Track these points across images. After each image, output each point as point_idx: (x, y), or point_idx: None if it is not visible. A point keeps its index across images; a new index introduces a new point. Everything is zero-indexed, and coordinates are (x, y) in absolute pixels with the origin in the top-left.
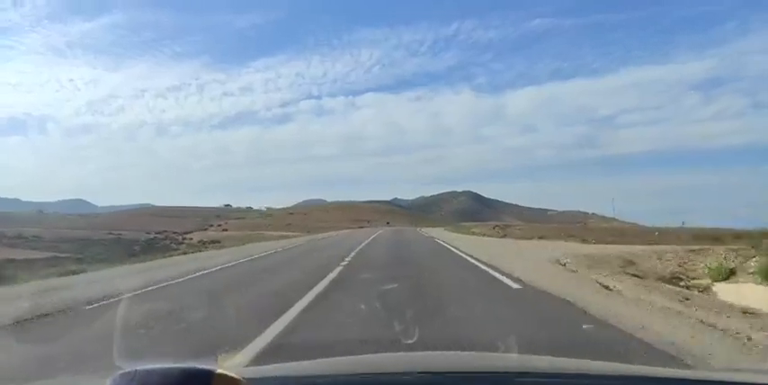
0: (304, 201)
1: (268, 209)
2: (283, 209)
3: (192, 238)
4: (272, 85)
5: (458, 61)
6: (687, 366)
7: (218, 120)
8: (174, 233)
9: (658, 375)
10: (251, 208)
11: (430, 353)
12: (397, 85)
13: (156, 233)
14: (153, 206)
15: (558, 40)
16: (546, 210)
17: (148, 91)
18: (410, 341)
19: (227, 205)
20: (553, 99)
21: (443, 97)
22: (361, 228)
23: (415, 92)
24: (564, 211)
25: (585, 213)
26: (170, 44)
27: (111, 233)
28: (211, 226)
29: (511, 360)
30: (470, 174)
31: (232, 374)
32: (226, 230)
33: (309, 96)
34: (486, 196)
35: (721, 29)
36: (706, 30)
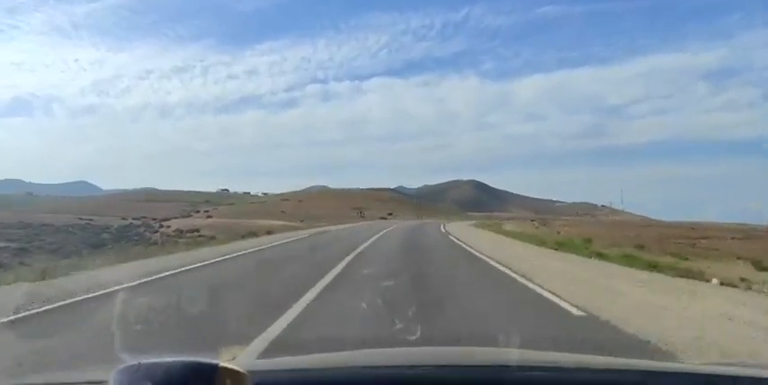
0: (306, 188)
1: (265, 195)
2: (279, 195)
3: (170, 226)
4: (278, 68)
5: (466, 47)
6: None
7: (223, 104)
8: (154, 220)
9: (656, 369)
10: (248, 193)
11: (432, 347)
12: (404, 70)
13: (134, 219)
14: (155, 189)
15: (566, 27)
16: (553, 201)
17: (153, 72)
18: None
19: (224, 190)
20: (560, 87)
21: (450, 83)
22: (363, 218)
23: (422, 77)
24: (572, 203)
25: (594, 205)
26: (175, 26)
27: (80, 218)
28: (198, 212)
29: (511, 354)
30: (476, 162)
31: (236, 367)
32: (210, 217)
33: (315, 80)
34: (491, 186)
35: (730, 19)
36: (715, 19)
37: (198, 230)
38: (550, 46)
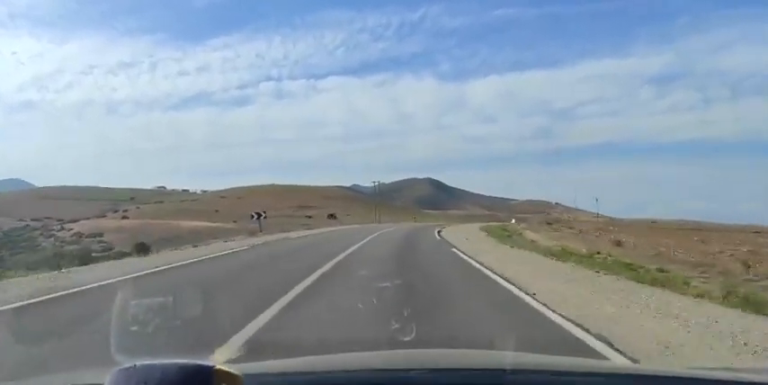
0: (249, 185)
1: (204, 192)
2: (217, 192)
3: (72, 229)
4: (230, 65)
5: (422, 47)
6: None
7: (173, 101)
8: (59, 221)
9: (650, 373)
10: (187, 190)
11: (427, 350)
12: (361, 70)
13: (34, 220)
14: (78, 187)
15: (521, 30)
16: (508, 199)
17: (98, 67)
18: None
19: (161, 187)
20: (514, 88)
21: (406, 83)
22: (310, 218)
23: (379, 76)
24: (527, 201)
25: (549, 203)
26: (124, 19)
27: None
28: (116, 211)
29: (506, 357)
30: (431, 162)
31: (232, 370)
32: (126, 218)
33: (269, 78)
34: (447, 184)
35: (675, 25)
36: (661, 25)
37: (101, 235)
38: (505, 48)
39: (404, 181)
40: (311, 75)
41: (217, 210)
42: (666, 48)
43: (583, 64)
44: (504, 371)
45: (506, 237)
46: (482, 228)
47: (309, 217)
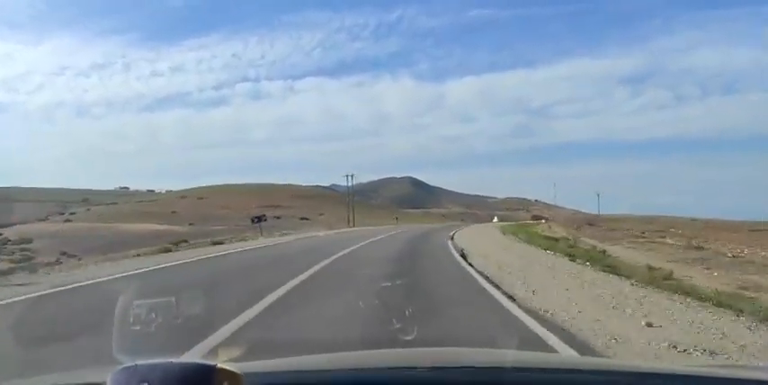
0: (213, 185)
1: (167, 192)
2: (176, 192)
3: (2, 234)
4: (206, 65)
5: (399, 48)
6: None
7: (146, 102)
8: None
9: (652, 371)
10: (152, 191)
11: (428, 348)
12: (339, 70)
13: None
14: (50, 189)
15: (496, 31)
16: (488, 198)
17: (70, 68)
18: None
19: (124, 187)
20: (491, 88)
21: (384, 84)
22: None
23: (357, 77)
24: (506, 198)
25: (528, 200)
26: (97, 19)
27: None
28: (62, 214)
29: (506, 355)
30: (410, 161)
31: (233, 369)
32: (69, 221)
33: (246, 79)
34: (426, 182)
35: (647, 26)
36: (633, 26)
37: (31, 241)
38: (481, 48)
39: (383, 180)
40: (288, 75)
41: (174, 212)
42: (639, 48)
43: (558, 64)
44: (506, 368)
45: (590, 259)
46: (514, 237)
47: (278, 218)
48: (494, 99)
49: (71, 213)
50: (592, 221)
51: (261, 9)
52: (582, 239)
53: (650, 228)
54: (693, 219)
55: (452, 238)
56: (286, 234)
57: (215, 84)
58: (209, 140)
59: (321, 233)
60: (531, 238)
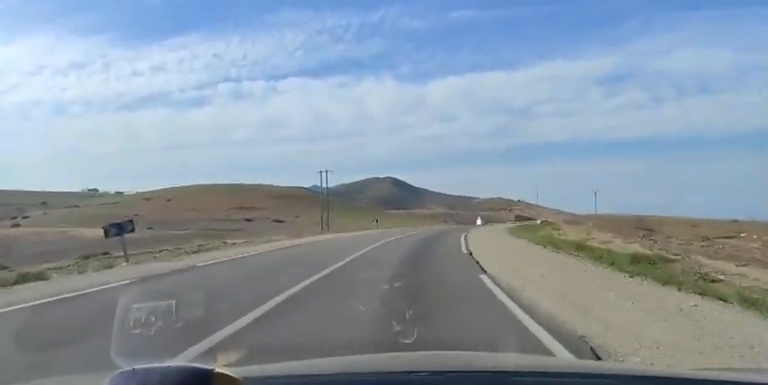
0: (185, 185)
1: (136, 194)
2: (141, 194)
3: None
4: (187, 65)
5: (382, 49)
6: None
7: (125, 102)
8: None
9: (652, 374)
10: (122, 193)
11: (430, 352)
12: (321, 71)
13: None
14: (8, 191)
15: (478, 32)
16: (470, 198)
17: (47, 67)
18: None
19: (93, 190)
20: (472, 89)
21: (367, 84)
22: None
23: (339, 78)
24: (489, 198)
25: (511, 200)
26: (74, 17)
27: None
28: (14, 218)
29: (508, 359)
30: (393, 162)
31: (231, 373)
32: (17, 226)
33: (228, 79)
34: (409, 183)
35: (623, 28)
36: (610, 28)
37: None
38: (463, 49)
39: (365, 180)
40: (271, 76)
41: (136, 215)
42: (616, 50)
43: (538, 65)
44: (507, 373)
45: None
46: (576, 258)
47: (249, 220)
48: (475, 99)
49: (24, 217)
50: (641, 224)
51: (243, 9)
52: (696, 258)
53: (696, 232)
54: (689, 219)
55: (484, 271)
56: (195, 252)
57: (196, 84)
58: (190, 141)
59: (252, 249)
60: (612, 259)
